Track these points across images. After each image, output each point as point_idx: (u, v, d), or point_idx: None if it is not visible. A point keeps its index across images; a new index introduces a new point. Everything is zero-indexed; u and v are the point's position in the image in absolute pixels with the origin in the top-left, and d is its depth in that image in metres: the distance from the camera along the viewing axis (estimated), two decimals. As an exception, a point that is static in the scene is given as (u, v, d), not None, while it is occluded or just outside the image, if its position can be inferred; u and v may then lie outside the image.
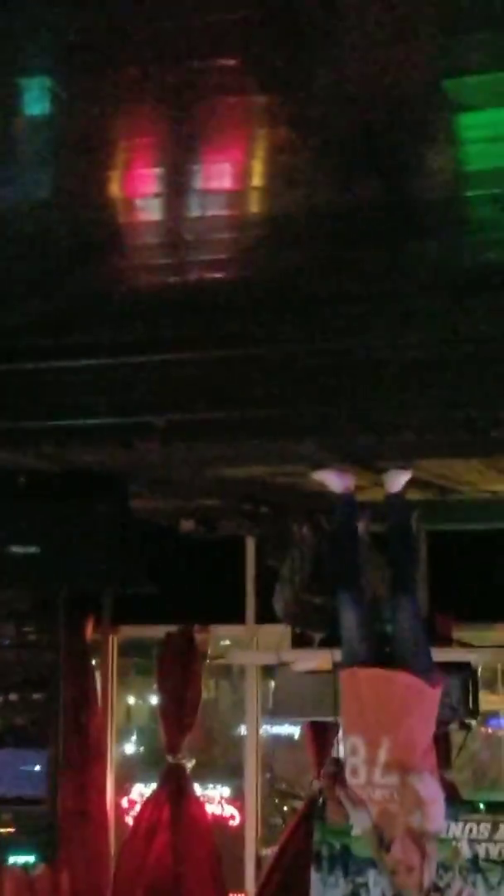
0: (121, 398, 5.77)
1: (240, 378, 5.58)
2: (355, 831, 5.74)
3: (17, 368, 5.68)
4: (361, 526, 7.20)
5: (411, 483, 6.53)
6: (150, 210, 4.35)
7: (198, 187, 4.17)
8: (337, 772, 5.78)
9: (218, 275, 4.79)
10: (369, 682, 5.72)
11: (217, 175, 4.07)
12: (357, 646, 5.87)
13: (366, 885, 8.07)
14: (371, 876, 8.07)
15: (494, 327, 5.07)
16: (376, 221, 4.27)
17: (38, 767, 7.91)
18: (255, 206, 4.27)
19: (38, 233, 4.43)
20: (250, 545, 8.94)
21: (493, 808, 8.17)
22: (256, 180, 4.10)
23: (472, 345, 5.22)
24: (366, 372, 5.38)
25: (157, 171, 4.07)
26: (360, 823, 5.61)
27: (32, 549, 6.74)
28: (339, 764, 5.81)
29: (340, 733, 5.82)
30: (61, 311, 5.18)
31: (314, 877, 8.22)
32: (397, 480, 6.19)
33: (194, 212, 4.38)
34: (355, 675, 5.78)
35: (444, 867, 8.01)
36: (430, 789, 5.54)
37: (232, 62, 3.39)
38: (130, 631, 9.48)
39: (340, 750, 5.76)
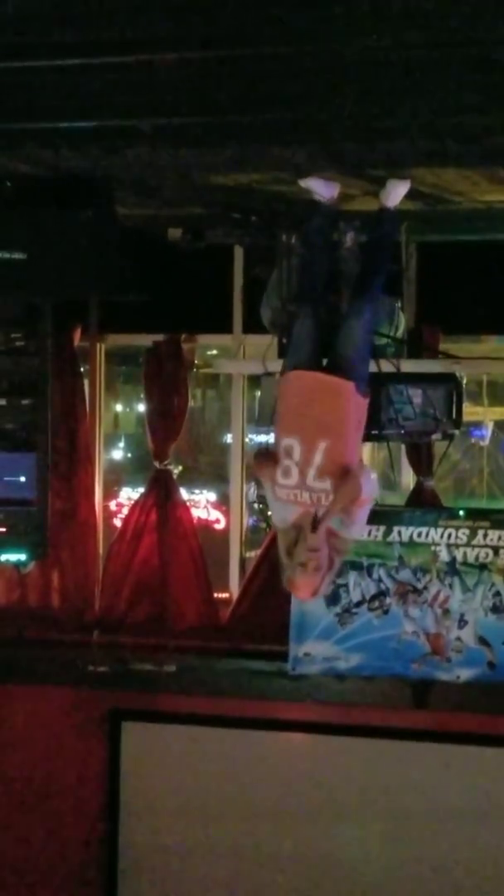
0: (107, 100, 5.61)
1: (229, 81, 5.42)
2: (276, 524, 5.82)
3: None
4: (349, 238, 7.12)
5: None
6: None
7: None
8: (267, 460, 5.76)
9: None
10: (308, 385, 5.68)
11: None
12: (302, 355, 5.84)
13: (346, 585, 8.37)
14: (352, 577, 8.36)
15: (493, 31, 4.91)
16: None
17: (27, 471, 8.06)
18: None
19: None
20: (238, 254, 8.89)
21: (471, 514, 8.41)
22: None
23: (470, 48, 5.06)
24: (357, 75, 5.22)
25: None
26: (281, 519, 5.69)
27: (18, 256, 6.69)
28: (268, 453, 5.80)
29: (273, 436, 5.81)
30: (44, 4, 4.99)
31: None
32: (396, 192, 6.01)
33: None
34: (297, 377, 5.75)
35: (422, 570, 8.30)
36: (369, 490, 5.61)
37: None
38: (118, 339, 9.51)
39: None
